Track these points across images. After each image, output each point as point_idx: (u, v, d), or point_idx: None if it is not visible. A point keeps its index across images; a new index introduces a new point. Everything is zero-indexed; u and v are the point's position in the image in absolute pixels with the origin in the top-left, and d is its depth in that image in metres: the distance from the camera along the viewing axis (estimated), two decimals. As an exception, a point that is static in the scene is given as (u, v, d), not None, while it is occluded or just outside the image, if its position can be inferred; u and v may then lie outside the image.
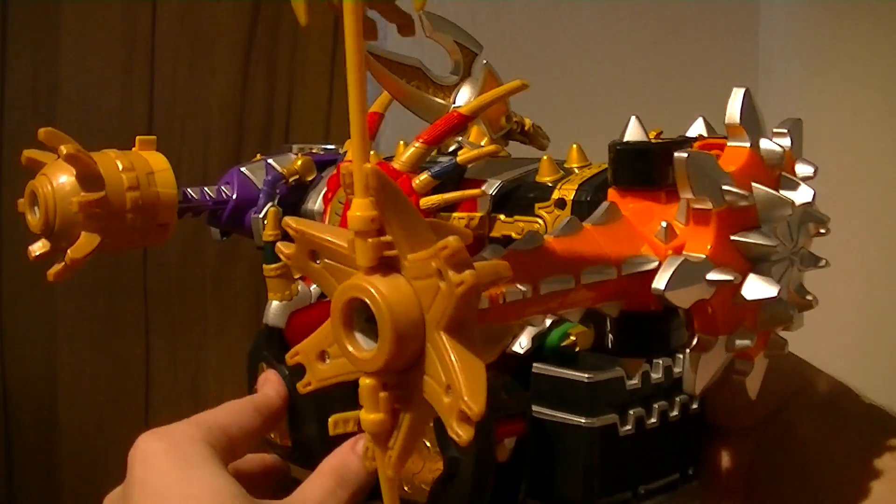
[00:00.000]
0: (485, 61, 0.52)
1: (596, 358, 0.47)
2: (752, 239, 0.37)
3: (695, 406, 0.50)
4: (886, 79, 1.05)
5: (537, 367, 0.46)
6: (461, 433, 0.28)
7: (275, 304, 0.46)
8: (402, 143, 0.51)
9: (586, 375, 0.45)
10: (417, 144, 0.47)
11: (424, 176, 0.46)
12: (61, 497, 1.19)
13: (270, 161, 0.58)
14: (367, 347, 0.31)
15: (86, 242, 0.51)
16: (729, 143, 0.38)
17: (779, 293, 0.37)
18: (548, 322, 0.46)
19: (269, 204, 0.56)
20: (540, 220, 0.45)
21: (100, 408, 1.19)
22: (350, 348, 0.31)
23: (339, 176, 0.50)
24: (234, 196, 0.57)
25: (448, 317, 0.29)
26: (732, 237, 0.37)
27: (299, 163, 0.57)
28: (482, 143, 0.53)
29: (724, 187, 0.36)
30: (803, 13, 1.13)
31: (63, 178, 0.52)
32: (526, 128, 0.56)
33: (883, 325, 1.05)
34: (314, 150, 0.60)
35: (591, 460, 0.44)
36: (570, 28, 1.14)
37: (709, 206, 0.36)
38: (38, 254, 0.53)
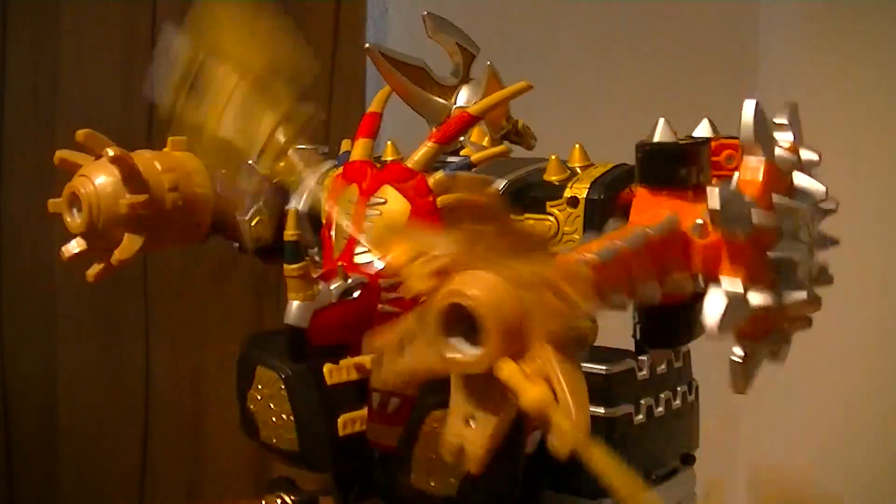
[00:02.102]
0: (488, 62, 0.52)
1: (605, 351, 0.48)
2: (788, 254, 0.38)
3: (691, 396, 0.51)
4: (887, 78, 1.05)
5: None
6: (560, 448, 0.30)
7: (296, 303, 0.45)
8: (389, 142, 0.52)
9: (604, 367, 0.47)
10: (430, 144, 0.48)
11: (440, 175, 0.47)
12: (61, 497, 1.19)
13: (250, 162, 0.58)
14: (466, 350, 0.31)
15: (130, 244, 0.52)
16: (745, 158, 0.39)
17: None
18: None
19: (256, 206, 0.56)
20: (551, 218, 0.47)
21: (100, 408, 1.19)
22: (448, 353, 0.31)
23: (348, 174, 0.50)
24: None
25: (561, 336, 0.30)
26: (770, 255, 0.38)
27: (281, 164, 0.57)
28: (483, 143, 0.53)
29: (753, 218, 0.37)
30: (803, 13, 1.13)
31: (103, 179, 0.52)
32: (518, 128, 0.56)
33: (884, 323, 1.05)
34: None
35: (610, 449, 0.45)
36: (569, 26, 1.14)
37: (741, 237, 0.37)
38: (74, 252, 0.53)
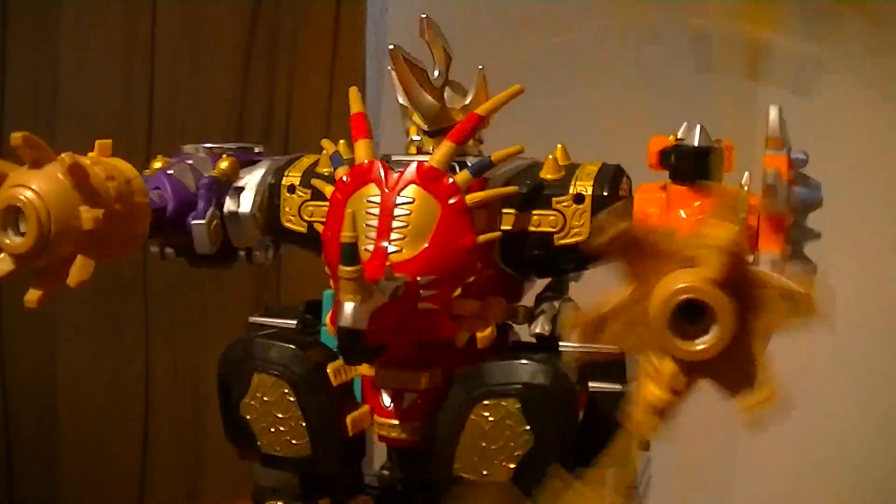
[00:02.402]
0: (480, 67, 0.54)
1: None
2: (801, 233, 0.45)
3: None
4: (887, 78, 1.05)
5: (565, 345, 0.51)
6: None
7: (352, 305, 0.44)
8: (324, 140, 0.54)
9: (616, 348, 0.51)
10: (449, 144, 0.49)
11: (466, 174, 0.49)
12: (61, 497, 1.19)
13: (190, 162, 0.56)
14: (698, 340, 0.37)
15: (86, 264, 0.47)
16: (770, 151, 0.45)
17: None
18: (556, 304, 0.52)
19: (211, 208, 0.55)
20: (558, 213, 0.50)
21: (100, 408, 1.19)
22: (684, 346, 0.37)
23: (360, 175, 0.50)
24: (172, 201, 0.55)
25: (773, 332, 0.37)
26: (791, 231, 0.45)
27: (225, 164, 0.57)
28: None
29: (790, 196, 0.44)
30: (803, 13, 1.13)
31: (50, 189, 0.46)
32: None
33: (882, 324, 1.05)
34: (214, 149, 0.59)
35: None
36: (568, 25, 1.14)
37: (780, 211, 0.43)
38: (32, 298, 0.48)
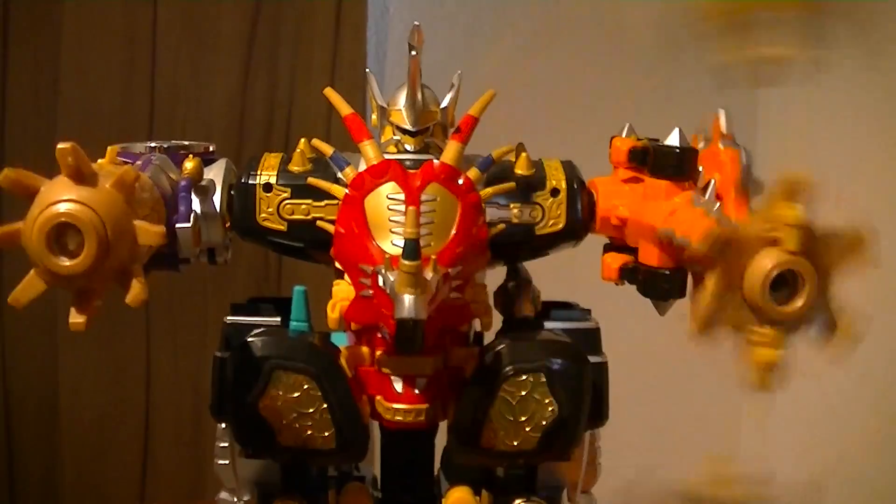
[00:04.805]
0: (459, 72, 0.57)
1: (563, 313, 0.58)
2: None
3: None
4: (888, 78, 1.05)
5: (550, 324, 0.56)
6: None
7: (411, 298, 0.46)
8: (302, 140, 0.57)
9: (594, 322, 0.57)
10: (456, 143, 0.52)
11: (477, 172, 0.52)
12: (62, 497, 1.19)
13: (156, 163, 0.55)
14: (789, 304, 0.44)
15: (142, 284, 0.45)
16: (722, 146, 0.54)
17: None
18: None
19: (193, 212, 0.54)
20: (538, 206, 0.55)
21: (100, 408, 1.19)
22: (780, 308, 0.44)
23: (379, 173, 0.52)
24: None
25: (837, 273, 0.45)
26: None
27: (192, 165, 0.56)
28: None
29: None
30: (803, 13, 1.13)
31: (108, 204, 0.42)
32: None
33: (883, 325, 1.05)
34: (173, 148, 0.58)
35: (607, 388, 0.56)
36: (568, 25, 1.14)
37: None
38: (80, 321, 0.44)
